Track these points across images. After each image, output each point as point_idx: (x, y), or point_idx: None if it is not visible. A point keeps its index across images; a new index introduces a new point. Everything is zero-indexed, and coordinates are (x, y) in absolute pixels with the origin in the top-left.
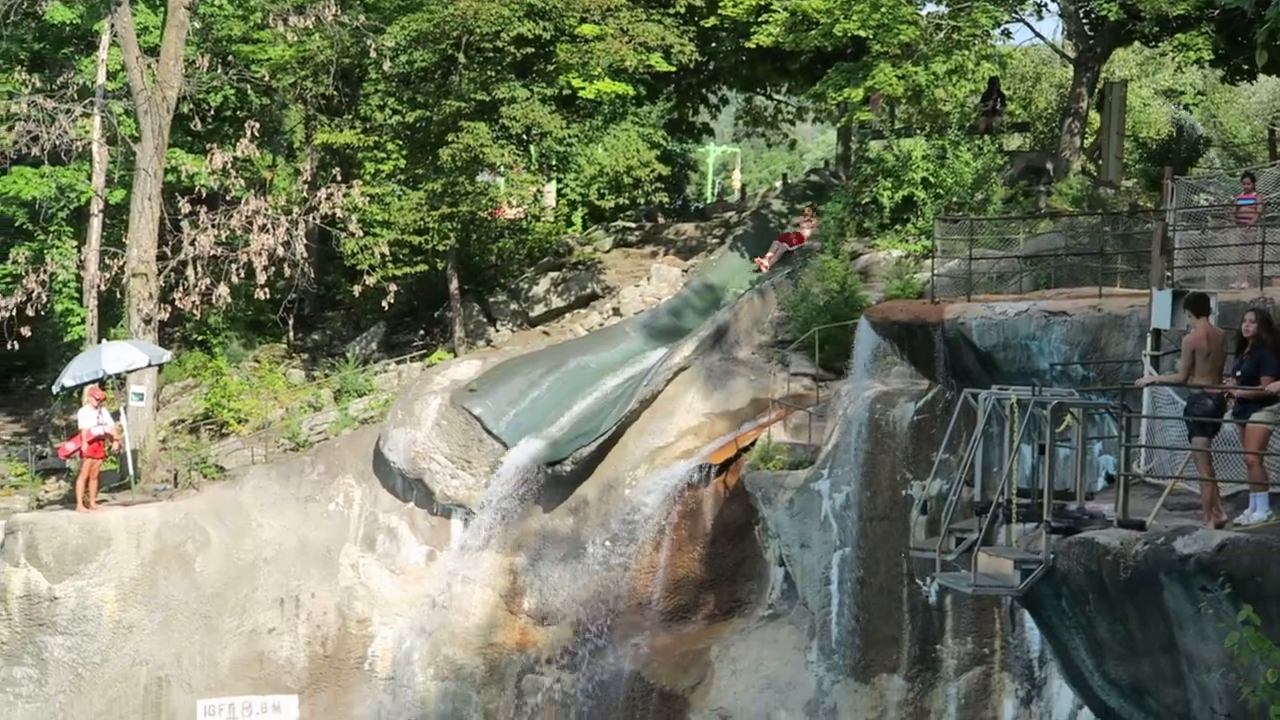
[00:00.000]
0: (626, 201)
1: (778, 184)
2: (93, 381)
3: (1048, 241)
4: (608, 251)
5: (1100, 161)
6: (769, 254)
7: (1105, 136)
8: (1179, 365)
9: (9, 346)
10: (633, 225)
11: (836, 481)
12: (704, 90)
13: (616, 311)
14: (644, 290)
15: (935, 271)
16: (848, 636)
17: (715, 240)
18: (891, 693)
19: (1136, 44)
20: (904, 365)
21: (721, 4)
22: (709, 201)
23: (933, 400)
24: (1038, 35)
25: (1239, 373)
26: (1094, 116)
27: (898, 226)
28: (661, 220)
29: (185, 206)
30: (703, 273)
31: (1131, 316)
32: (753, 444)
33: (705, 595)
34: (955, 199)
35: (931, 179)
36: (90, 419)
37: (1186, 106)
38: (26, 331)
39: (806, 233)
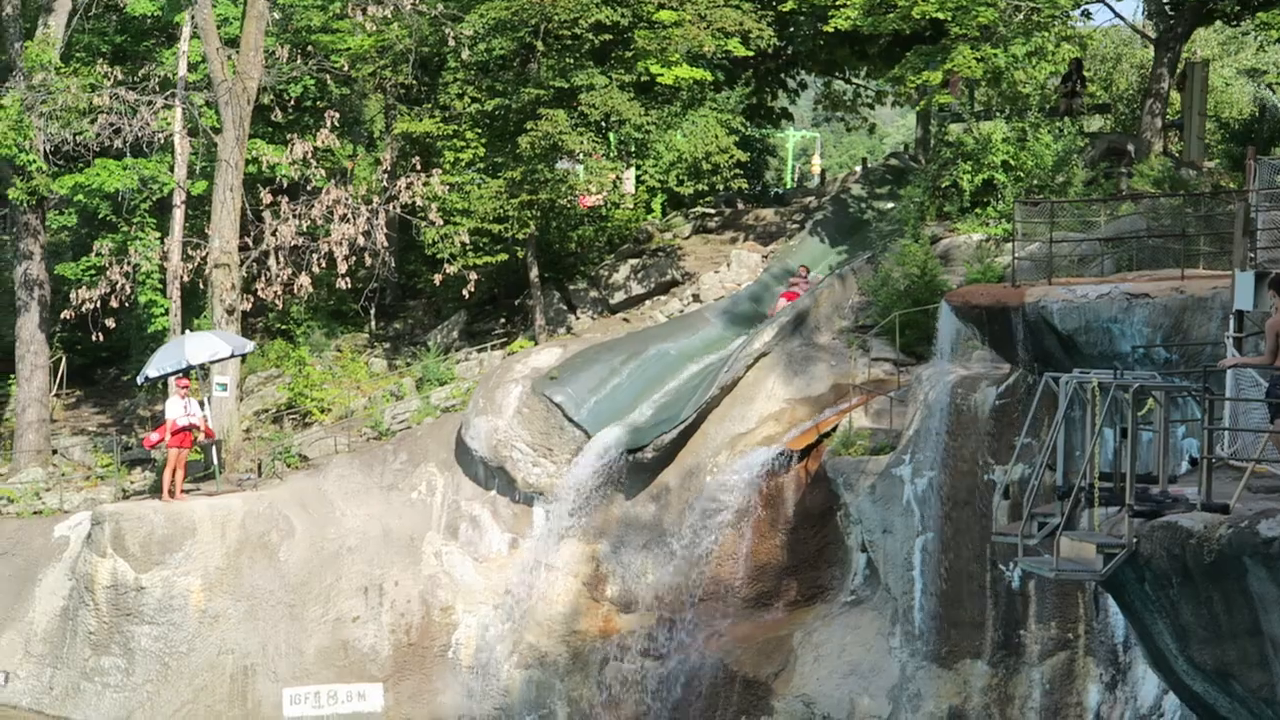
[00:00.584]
0: (706, 188)
1: (857, 168)
2: (176, 372)
3: (1129, 224)
4: (687, 238)
5: (1182, 142)
6: (776, 306)
7: (1187, 117)
8: (1263, 347)
9: (94, 338)
10: (712, 211)
11: (918, 466)
12: (782, 75)
13: (696, 298)
14: (724, 276)
15: (1016, 255)
16: (931, 622)
17: (795, 225)
18: (975, 678)
19: (1218, 23)
20: (985, 349)
21: None
22: (789, 187)
23: (1014, 384)
24: (1118, 16)
25: None
26: (1175, 97)
27: (978, 210)
28: (741, 206)
29: (266, 197)
30: (783, 258)
31: (1214, 298)
32: (834, 429)
33: (787, 581)
34: (1036, 182)
35: (1012, 162)
36: (177, 409)
37: (1269, 85)
38: (111, 323)
39: (801, 291)
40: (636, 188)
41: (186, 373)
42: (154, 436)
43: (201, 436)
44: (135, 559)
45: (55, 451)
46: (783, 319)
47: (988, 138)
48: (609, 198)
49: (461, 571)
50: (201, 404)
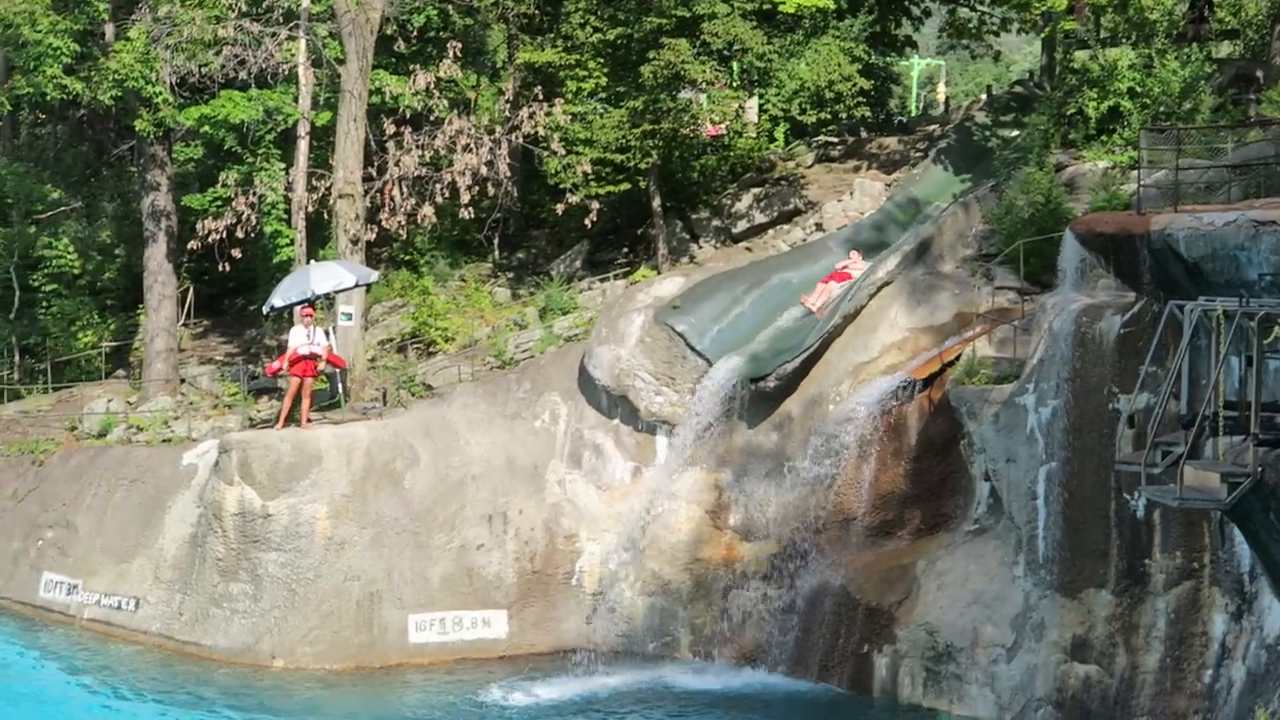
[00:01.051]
0: (829, 116)
1: (982, 96)
2: (301, 302)
3: (1257, 150)
4: (810, 167)
5: None
6: (813, 295)
7: None
8: None
9: (220, 268)
10: (835, 140)
11: (1042, 395)
12: (906, 2)
13: (819, 227)
14: (846, 205)
15: (1141, 182)
16: (1054, 551)
17: (919, 154)
18: (1099, 607)
19: None
20: (1110, 278)
21: None
22: (913, 115)
23: (1139, 313)
24: None
25: None
26: None
27: (1103, 137)
28: (864, 134)
29: (390, 127)
30: (906, 186)
31: None
32: (957, 358)
33: (910, 510)
34: (1162, 109)
35: (1138, 89)
36: (300, 338)
37: None
38: (237, 253)
39: (855, 273)
40: (759, 116)
41: (311, 302)
42: (275, 364)
43: (325, 364)
44: (262, 487)
45: (183, 380)
46: (905, 247)
47: (1113, 64)
48: (731, 126)
49: (585, 500)
50: (327, 333)
